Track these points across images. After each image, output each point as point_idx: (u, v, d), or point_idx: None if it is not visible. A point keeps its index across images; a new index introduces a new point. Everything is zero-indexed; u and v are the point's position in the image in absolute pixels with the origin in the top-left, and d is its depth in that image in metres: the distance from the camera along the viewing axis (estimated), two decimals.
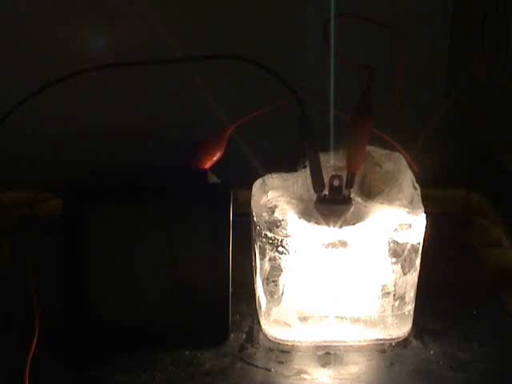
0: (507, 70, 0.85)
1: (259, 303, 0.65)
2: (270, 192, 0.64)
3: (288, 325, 0.64)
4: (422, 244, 0.63)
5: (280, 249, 0.62)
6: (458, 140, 0.88)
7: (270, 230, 0.61)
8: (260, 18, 0.93)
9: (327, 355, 0.64)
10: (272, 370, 0.62)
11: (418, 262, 0.63)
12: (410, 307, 0.64)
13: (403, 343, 0.65)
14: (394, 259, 0.62)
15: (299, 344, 0.64)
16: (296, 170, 0.65)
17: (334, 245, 0.62)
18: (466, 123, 0.91)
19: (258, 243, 0.62)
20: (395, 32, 0.65)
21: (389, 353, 0.64)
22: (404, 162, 0.67)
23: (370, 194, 0.64)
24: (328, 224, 0.62)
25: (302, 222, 0.62)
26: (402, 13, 0.89)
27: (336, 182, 0.62)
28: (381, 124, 0.66)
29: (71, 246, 0.63)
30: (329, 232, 0.62)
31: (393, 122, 0.68)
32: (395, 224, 0.61)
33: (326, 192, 0.62)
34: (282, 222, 0.62)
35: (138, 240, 0.63)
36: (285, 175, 0.66)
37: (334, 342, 0.64)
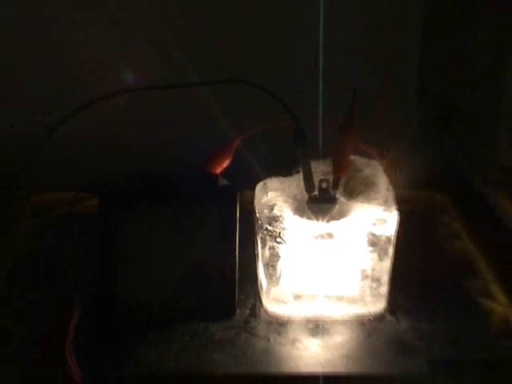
0: (470, 86, 0.86)
1: (260, 284, 0.68)
2: (269, 193, 0.66)
3: (284, 302, 0.66)
4: (394, 236, 0.65)
5: (278, 239, 0.64)
6: (426, 150, 0.88)
7: (270, 224, 0.64)
8: (264, 45, 0.90)
9: (316, 327, 0.66)
10: (271, 339, 0.64)
11: (391, 250, 0.65)
12: (385, 288, 0.67)
13: (379, 318, 0.67)
14: (371, 248, 0.65)
15: (293, 318, 0.67)
16: (291, 175, 0.67)
17: (322, 236, 0.64)
18: (433, 137, 0.92)
19: (260, 235, 0.65)
20: (380, 59, 0.67)
21: (367, 326, 0.67)
22: (380, 168, 0.69)
23: (352, 194, 0.66)
24: (317, 219, 0.65)
25: (296, 217, 0.64)
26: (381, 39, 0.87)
27: (324, 185, 0.65)
28: (364, 136, 0.67)
29: (105, 238, 0.65)
30: (318, 226, 0.64)
31: (373, 134, 0.69)
32: (373, 219, 0.64)
33: (315, 192, 0.65)
34: (280, 218, 0.64)
35: (160, 232, 0.65)
36: (282, 179, 0.67)
37: (323, 316, 0.67)
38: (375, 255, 0.65)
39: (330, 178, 0.66)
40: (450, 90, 0.91)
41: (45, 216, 0.83)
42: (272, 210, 0.64)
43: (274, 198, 0.65)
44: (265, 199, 0.66)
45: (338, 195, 0.65)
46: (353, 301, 0.67)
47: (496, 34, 0.79)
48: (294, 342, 0.65)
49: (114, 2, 0.87)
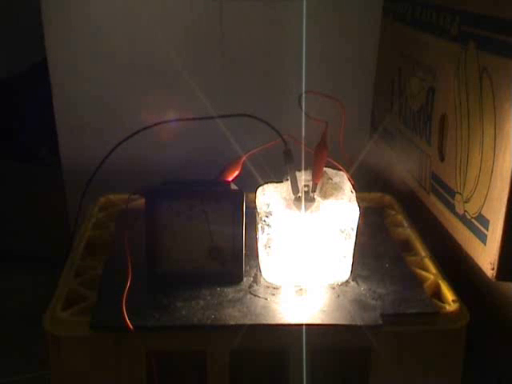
0: (407, 123, 0.85)
1: (260, 260, 0.65)
2: (266, 194, 0.64)
3: (277, 272, 0.64)
4: (356, 224, 0.63)
5: (272, 227, 0.62)
6: (376, 166, 0.87)
7: (267, 217, 0.61)
8: (265, 91, 0.93)
9: (300, 290, 0.63)
10: (268, 299, 0.62)
11: (353, 234, 0.63)
12: (349, 261, 0.64)
13: (345, 283, 0.64)
14: (339, 233, 0.62)
15: (284, 283, 0.64)
16: (282, 182, 0.65)
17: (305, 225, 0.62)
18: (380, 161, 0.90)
19: (260, 224, 0.62)
20: (339, 101, 0.65)
21: (337, 289, 0.64)
22: (345, 177, 0.67)
23: (326, 195, 0.64)
24: (301, 213, 0.62)
25: (286, 211, 0.62)
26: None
27: (306, 188, 0.62)
28: (333, 155, 0.67)
29: (150, 225, 0.63)
30: (301, 218, 0.62)
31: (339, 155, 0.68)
32: (341, 212, 0.62)
33: (300, 194, 0.63)
34: (274, 212, 0.61)
35: (188, 221, 0.63)
36: (276, 184, 0.65)
37: (305, 282, 0.64)
38: (342, 238, 0.62)
39: (310, 183, 0.64)
40: (392, 125, 0.90)
41: (108, 211, 0.81)
42: (268, 206, 0.62)
43: (270, 198, 0.63)
44: (263, 199, 0.63)
45: (315, 196, 0.63)
46: (327, 271, 0.64)
47: (426, 83, 0.77)
48: (284, 300, 0.62)
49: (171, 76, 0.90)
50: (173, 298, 0.61)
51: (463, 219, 0.66)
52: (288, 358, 0.59)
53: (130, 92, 0.92)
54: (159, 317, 0.58)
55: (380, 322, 0.58)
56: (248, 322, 0.58)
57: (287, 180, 0.64)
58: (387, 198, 0.85)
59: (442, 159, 0.73)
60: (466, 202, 0.66)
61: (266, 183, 0.65)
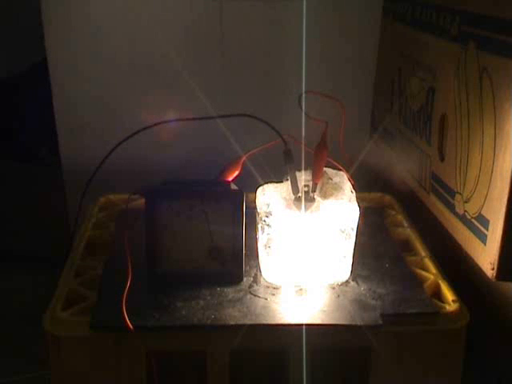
0: (407, 123, 0.85)
1: (260, 259, 0.65)
2: (266, 194, 0.64)
3: (277, 272, 0.63)
4: (356, 224, 0.63)
5: (272, 227, 0.61)
6: (376, 166, 0.87)
7: (267, 217, 0.61)
8: (265, 92, 0.94)
9: (300, 290, 0.63)
10: (268, 299, 0.62)
11: (353, 234, 0.63)
12: (349, 261, 0.64)
13: (345, 283, 0.64)
14: (340, 233, 0.62)
15: (284, 283, 0.64)
16: (282, 182, 0.65)
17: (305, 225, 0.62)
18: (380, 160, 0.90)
19: (260, 224, 0.62)
20: (339, 101, 0.65)
21: (337, 289, 0.64)
22: (345, 177, 0.67)
23: (326, 195, 0.64)
24: (301, 213, 0.62)
25: (286, 211, 0.62)
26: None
27: (306, 188, 0.62)
28: (333, 155, 0.66)
29: (150, 225, 0.63)
30: (301, 218, 0.62)
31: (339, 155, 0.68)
32: (341, 212, 0.62)
33: (300, 194, 0.62)
34: (274, 212, 0.61)
35: (189, 221, 0.62)
36: (276, 184, 0.65)
37: (305, 282, 0.64)
38: (342, 238, 0.62)
39: (310, 183, 0.63)
40: (392, 125, 0.89)
41: (108, 211, 0.81)
42: (268, 206, 0.62)
43: (270, 198, 0.63)
44: (263, 199, 0.63)
45: (315, 196, 0.63)
46: (327, 271, 0.63)
47: (426, 83, 0.77)
48: (284, 300, 0.62)
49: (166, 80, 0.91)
50: (173, 297, 0.61)
51: (463, 219, 0.66)
52: (288, 358, 0.59)
53: (130, 92, 0.92)
54: (159, 317, 0.58)
55: (380, 321, 0.58)
56: (248, 322, 0.58)
57: (287, 180, 0.63)
58: (387, 198, 0.85)
59: (442, 159, 0.73)
60: (466, 202, 0.66)
61: (266, 183, 0.65)
